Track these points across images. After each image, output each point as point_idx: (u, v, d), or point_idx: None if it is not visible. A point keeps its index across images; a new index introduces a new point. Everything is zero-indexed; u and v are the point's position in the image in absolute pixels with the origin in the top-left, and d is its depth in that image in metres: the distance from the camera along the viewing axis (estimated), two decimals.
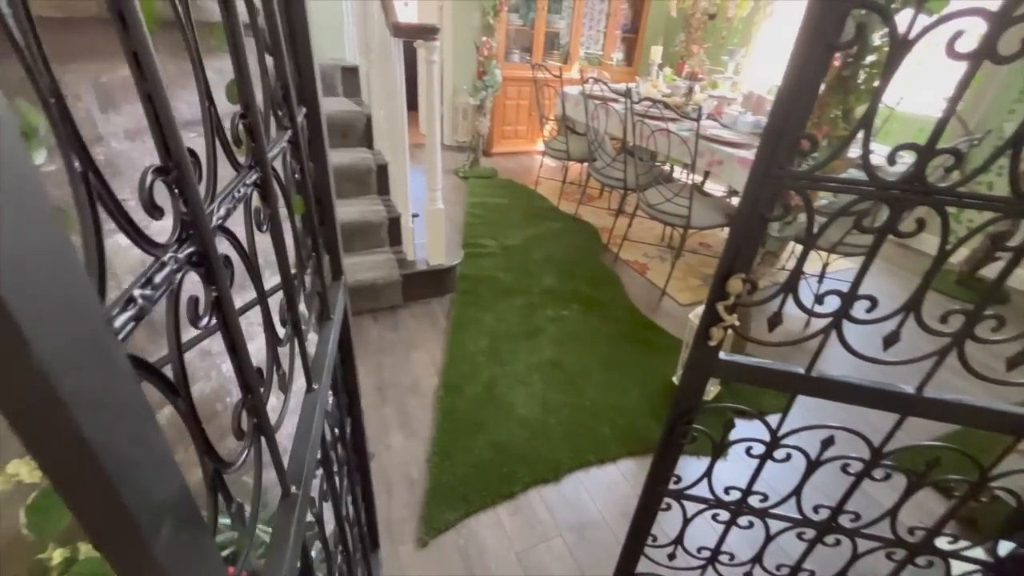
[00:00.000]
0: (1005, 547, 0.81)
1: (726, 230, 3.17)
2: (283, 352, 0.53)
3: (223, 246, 0.38)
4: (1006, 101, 2.95)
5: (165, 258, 0.28)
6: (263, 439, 0.41)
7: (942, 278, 2.96)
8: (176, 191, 0.29)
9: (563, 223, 3.54)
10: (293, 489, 0.46)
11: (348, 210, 2.49)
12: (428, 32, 1.93)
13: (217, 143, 0.36)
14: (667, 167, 3.55)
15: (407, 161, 2.30)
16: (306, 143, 0.71)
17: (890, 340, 0.65)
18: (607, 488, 1.63)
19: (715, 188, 3.82)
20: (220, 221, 0.36)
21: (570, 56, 4.88)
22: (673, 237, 3.37)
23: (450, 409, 1.86)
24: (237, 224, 0.38)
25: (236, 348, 0.36)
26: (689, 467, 1.69)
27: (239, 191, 0.40)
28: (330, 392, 0.80)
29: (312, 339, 0.73)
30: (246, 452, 0.38)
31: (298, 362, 0.58)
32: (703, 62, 3.51)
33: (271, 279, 0.52)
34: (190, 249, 0.30)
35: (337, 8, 3.00)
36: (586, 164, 3.46)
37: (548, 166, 4.40)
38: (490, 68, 4.00)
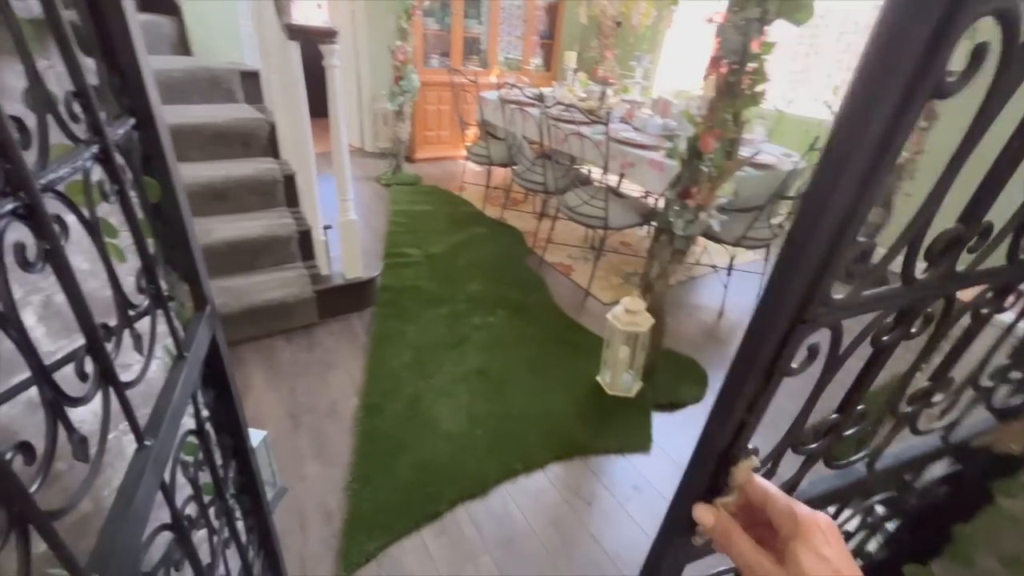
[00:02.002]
0: None
1: (645, 228, 3.29)
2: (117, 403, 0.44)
3: None
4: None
5: None
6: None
7: None
8: None
9: (488, 228, 3.52)
10: None
11: (253, 224, 2.31)
12: (325, 35, 1.83)
13: None
14: (586, 170, 3.63)
15: (313, 170, 2.17)
16: (137, 159, 0.62)
17: None
18: (535, 497, 1.62)
19: (632, 189, 3.95)
20: None
21: (489, 61, 4.89)
22: (595, 238, 3.45)
23: (370, 430, 1.76)
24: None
25: None
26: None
27: None
28: (194, 438, 0.71)
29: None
30: None
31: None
32: (614, 67, 3.62)
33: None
34: None
35: (230, 6, 2.78)
36: (510, 168, 3.47)
37: (472, 171, 4.36)
38: (406, 73, 3.91)
